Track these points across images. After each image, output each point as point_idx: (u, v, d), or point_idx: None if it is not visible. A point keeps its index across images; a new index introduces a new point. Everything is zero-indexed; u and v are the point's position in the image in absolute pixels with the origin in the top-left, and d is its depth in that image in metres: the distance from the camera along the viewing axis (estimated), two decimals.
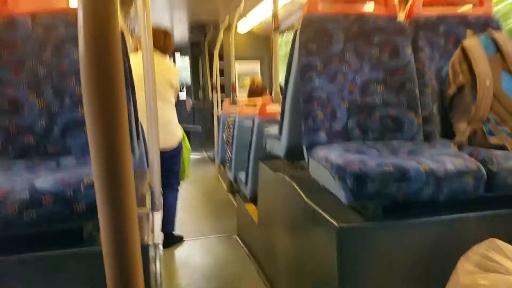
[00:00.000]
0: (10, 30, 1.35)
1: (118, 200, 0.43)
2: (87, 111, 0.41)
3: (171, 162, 2.62)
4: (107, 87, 0.41)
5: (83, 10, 0.40)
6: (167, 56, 2.70)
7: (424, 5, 1.61)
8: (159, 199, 1.23)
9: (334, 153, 1.21)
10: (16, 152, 1.28)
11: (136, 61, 2.12)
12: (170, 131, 2.58)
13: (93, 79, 0.40)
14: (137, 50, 3.00)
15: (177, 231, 2.81)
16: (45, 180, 0.95)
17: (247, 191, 2.60)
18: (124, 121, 0.42)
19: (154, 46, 2.36)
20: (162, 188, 2.79)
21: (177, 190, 2.78)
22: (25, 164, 1.20)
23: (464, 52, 1.37)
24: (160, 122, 2.48)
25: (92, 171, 1.02)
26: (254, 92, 3.68)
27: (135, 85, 1.84)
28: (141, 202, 1.31)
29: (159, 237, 2.70)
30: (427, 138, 1.47)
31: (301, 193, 1.38)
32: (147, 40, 1.17)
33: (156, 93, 1.31)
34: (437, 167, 1.08)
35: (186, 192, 3.43)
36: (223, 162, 3.70)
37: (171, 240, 2.79)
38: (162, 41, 2.63)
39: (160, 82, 2.42)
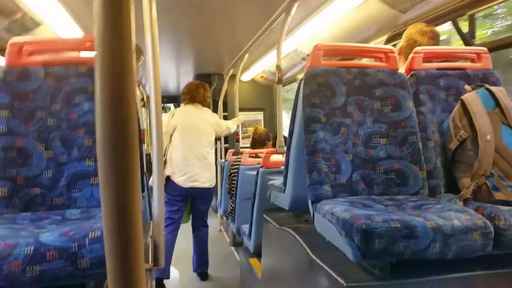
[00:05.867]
0: (23, 81, 1.40)
1: (127, 256, 0.43)
2: (101, 163, 0.42)
3: (211, 197, 3.25)
4: (122, 142, 0.42)
5: (100, 66, 0.41)
6: (206, 107, 3.30)
7: (424, 59, 1.66)
8: (163, 254, 1.21)
9: (340, 208, 1.20)
10: (22, 204, 1.28)
11: (183, 110, 3.22)
12: (213, 172, 3.21)
13: (108, 131, 0.41)
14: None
15: None
16: (51, 234, 0.94)
17: (250, 244, 2.54)
18: (136, 177, 0.43)
19: (196, 99, 3.20)
20: (196, 228, 3.27)
21: (208, 226, 3.30)
22: (31, 217, 1.20)
23: (464, 107, 1.40)
24: (210, 165, 3.19)
25: (96, 225, 1.01)
26: (257, 141, 3.69)
27: (183, 129, 3.07)
28: (144, 257, 1.28)
29: None
30: (432, 192, 1.46)
31: (307, 249, 1.35)
32: (156, 91, 1.20)
33: (162, 145, 1.33)
34: (443, 224, 1.07)
35: (187, 245, 3.38)
36: (225, 213, 3.65)
37: (205, 278, 3.20)
38: (202, 94, 3.22)
39: (208, 131, 3.18)
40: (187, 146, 3.05)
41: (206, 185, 3.08)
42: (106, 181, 0.42)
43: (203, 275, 3.17)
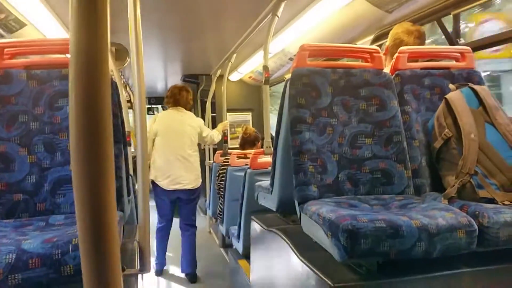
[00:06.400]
0: (5, 84, 1.37)
1: (102, 262, 0.42)
2: (74, 165, 0.41)
3: (197, 197, 3.26)
4: (94, 144, 0.41)
5: (74, 65, 0.40)
6: (189, 110, 3.34)
7: (409, 58, 1.67)
8: (148, 259, 1.19)
9: (326, 208, 1.20)
10: (5, 211, 1.25)
11: (164, 115, 3.31)
12: (198, 174, 3.21)
13: (81, 135, 0.41)
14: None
15: None
16: (33, 241, 0.92)
17: (239, 246, 2.54)
18: (110, 179, 0.42)
19: (179, 103, 3.24)
20: (183, 228, 3.26)
21: (196, 227, 3.31)
22: (14, 223, 1.18)
23: (448, 106, 1.42)
24: (193, 167, 3.18)
25: None
26: (247, 141, 3.67)
27: (164, 134, 3.11)
28: (129, 262, 1.26)
29: None
30: (417, 191, 1.47)
31: (294, 250, 1.35)
32: (140, 92, 1.19)
33: (147, 149, 1.32)
34: (428, 223, 1.07)
35: (176, 247, 3.36)
36: (214, 215, 3.64)
37: (194, 279, 3.18)
38: (185, 97, 3.28)
39: (192, 133, 3.20)
40: (169, 149, 3.10)
41: (188, 187, 3.14)
42: (79, 186, 0.41)
43: (192, 277, 3.19)
